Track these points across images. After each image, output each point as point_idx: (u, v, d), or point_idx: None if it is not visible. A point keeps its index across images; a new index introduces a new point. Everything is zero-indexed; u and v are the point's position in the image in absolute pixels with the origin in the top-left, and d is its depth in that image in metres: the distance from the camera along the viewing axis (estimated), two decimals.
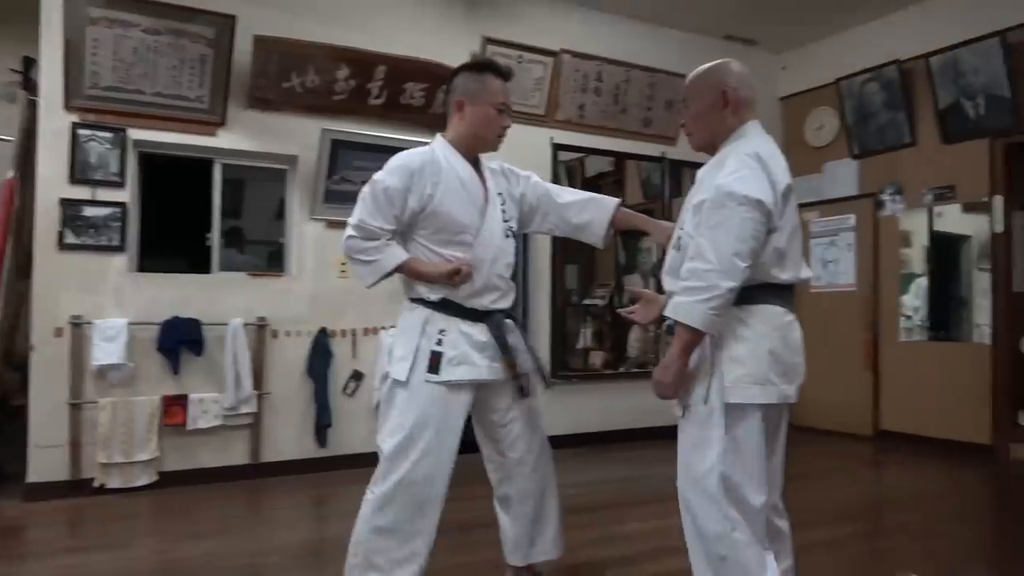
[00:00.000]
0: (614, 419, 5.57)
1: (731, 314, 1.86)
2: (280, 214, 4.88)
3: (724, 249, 1.78)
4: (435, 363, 2.12)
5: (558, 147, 5.44)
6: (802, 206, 6.09)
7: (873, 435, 5.65)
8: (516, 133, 5.30)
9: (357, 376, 4.66)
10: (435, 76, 4.66)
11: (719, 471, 1.84)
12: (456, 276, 2.12)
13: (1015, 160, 4.99)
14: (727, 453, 1.84)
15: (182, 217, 4.66)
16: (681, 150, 5.96)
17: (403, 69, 4.61)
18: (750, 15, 5.70)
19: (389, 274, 2.19)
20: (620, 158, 6.01)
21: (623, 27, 5.69)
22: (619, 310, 2.33)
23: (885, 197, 5.69)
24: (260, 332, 4.39)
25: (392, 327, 4.71)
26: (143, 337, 4.08)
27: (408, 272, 2.19)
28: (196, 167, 4.46)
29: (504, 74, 2.29)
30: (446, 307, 2.18)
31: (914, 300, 5.54)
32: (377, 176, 2.17)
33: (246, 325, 4.31)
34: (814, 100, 6.21)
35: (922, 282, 5.50)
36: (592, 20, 5.54)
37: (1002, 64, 4.81)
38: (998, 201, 4.99)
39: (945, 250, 5.45)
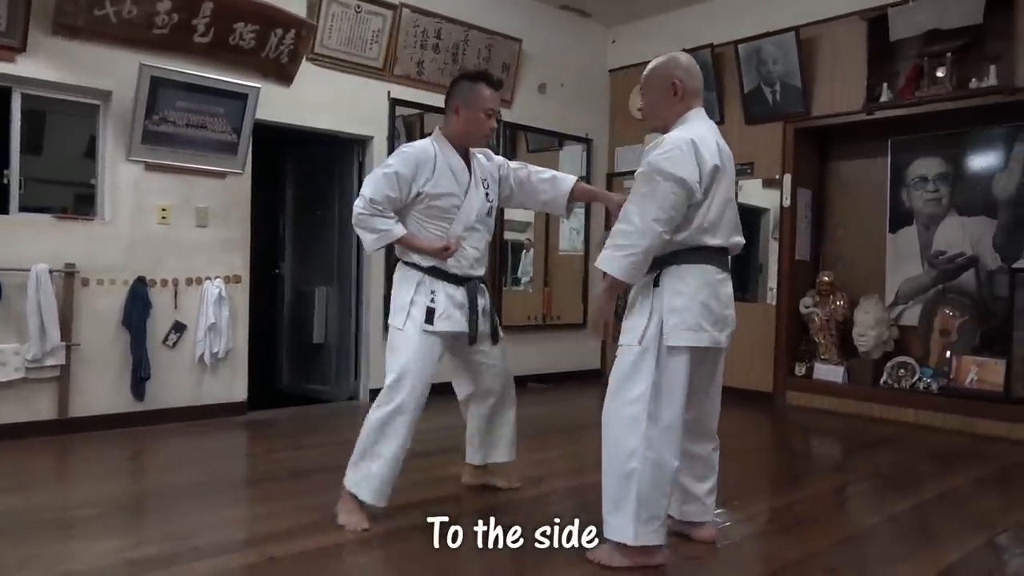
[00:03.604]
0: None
1: (672, 272, 2.30)
2: (90, 153, 4.51)
3: (647, 215, 2.20)
4: (430, 317, 2.71)
5: (396, 102, 5.43)
6: (625, 174, 6.57)
7: None
8: (354, 85, 5.26)
9: (179, 327, 4.47)
10: (268, 19, 4.48)
11: (646, 399, 2.24)
12: (445, 251, 2.69)
13: (802, 143, 5.66)
14: (655, 385, 2.25)
15: None
16: (516, 114, 6.15)
17: (233, 8, 4.38)
18: None
19: (391, 243, 2.72)
20: None
21: None
22: None
23: None
24: (68, 279, 4.08)
25: (218, 278, 4.59)
26: None
27: (406, 244, 2.73)
28: None
29: (495, 84, 2.82)
30: (435, 272, 2.74)
31: None
32: (390, 161, 2.71)
33: (52, 271, 3.99)
34: (639, 75, 6.56)
35: None
36: None
37: (795, 56, 5.41)
38: (787, 179, 5.64)
39: (747, 221, 6.04)
